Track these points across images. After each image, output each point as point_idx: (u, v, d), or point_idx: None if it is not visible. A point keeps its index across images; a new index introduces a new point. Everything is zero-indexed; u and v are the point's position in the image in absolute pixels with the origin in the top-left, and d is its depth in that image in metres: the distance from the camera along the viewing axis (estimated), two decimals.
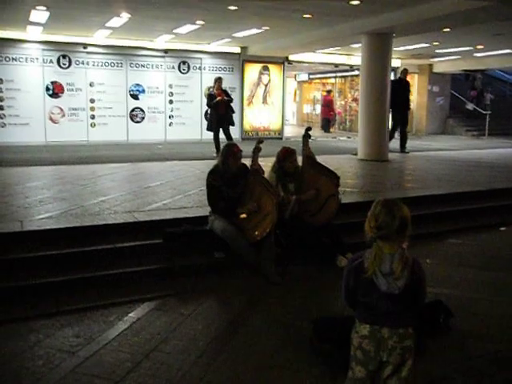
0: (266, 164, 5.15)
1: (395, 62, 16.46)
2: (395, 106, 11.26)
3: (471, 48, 14.08)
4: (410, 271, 2.12)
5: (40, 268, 4.11)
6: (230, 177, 4.67)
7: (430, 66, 18.90)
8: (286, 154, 5.00)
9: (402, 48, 13.96)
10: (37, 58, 13.05)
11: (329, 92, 21.19)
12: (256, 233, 4.46)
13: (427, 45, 13.48)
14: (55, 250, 4.31)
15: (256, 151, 4.77)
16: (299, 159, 5.14)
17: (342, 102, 21.63)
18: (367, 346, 2.15)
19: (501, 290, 4.39)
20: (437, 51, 15.01)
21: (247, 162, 4.82)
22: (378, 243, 2.13)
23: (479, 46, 13.87)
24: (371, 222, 2.13)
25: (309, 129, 5.37)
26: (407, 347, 2.14)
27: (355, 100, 19.69)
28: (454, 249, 5.52)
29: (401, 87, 11.61)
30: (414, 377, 2.24)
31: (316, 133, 19.83)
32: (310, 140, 5.21)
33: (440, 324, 3.55)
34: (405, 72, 12.11)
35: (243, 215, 4.53)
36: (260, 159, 4.82)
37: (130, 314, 3.70)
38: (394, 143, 11.86)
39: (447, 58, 16.43)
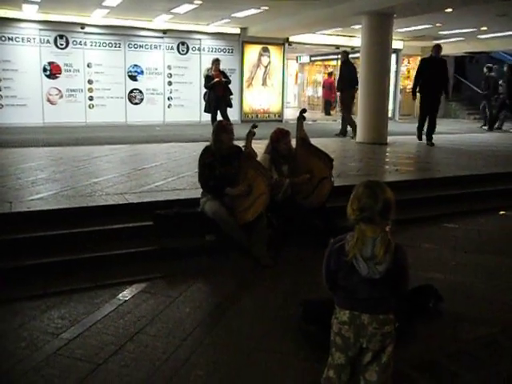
0: (262, 146, 5.07)
1: (397, 44, 16.25)
2: (423, 89, 9.85)
3: (475, 29, 13.84)
4: (392, 256, 2.05)
5: (28, 250, 4.07)
6: (222, 155, 4.60)
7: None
8: (279, 135, 4.92)
9: (404, 29, 13.74)
10: (34, 38, 12.88)
11: (330, 74, 20.96)
12: (249, 213, 4.41)
13: (430, 26, 13.26)
14: (44, 232, 4.26)
15: (250, 135, 4.69)
16: (293, 141, 5.06)
17: None
18: (347, 332, 2.10)
19: (496, 273, 4.33)
20: (440, 33, 14.77)
21: (241, 145, 4.74)
22: (361, 226, 2.06)
23: (483, 28, 13.64)
24: (353, 204, 2.07)
25: (303, 111, 5.29)
26: (387, 333, 2.09)
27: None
28: (450, 233, 5.46)
29: (431, 67, 9.79)
30: (395, 361, 2.19)
31: (317, 115, 19.70)
32: (308, 122, 5.12)
33: (430, 308, 3.50)
34: (437, 49, 9.96)
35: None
36: (257, 141, 4.75)
37: (117, 296, 3.66)
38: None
39: (450, 39, 16.17)
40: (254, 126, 4.70)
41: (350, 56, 12.00)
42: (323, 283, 2.28)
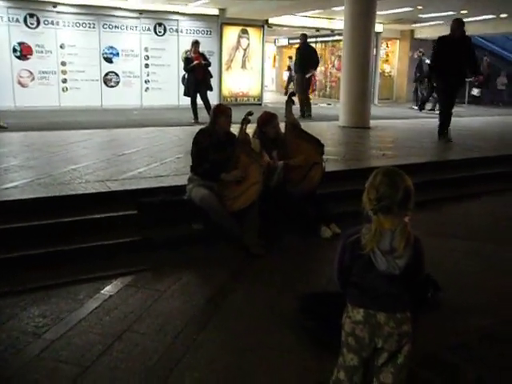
0: (249, 131, 4.87)
1: (377, 27, 16.09)
2: (443, 75, 8.06)
3: (455, 13, 13.78)
4: (411, 249, 1.91)
5: (3, 242, 3.80)
6: (217, 139, 4.42)
7: (412, 31, 18.59)
8: (266, 119, 4.74)
9: (385, 12, 13.60)
10: (1, 17, 12.27)
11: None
12: (240, 201, 4.24)
13: (411, 9, 13.16)
14: (20, 223, 3.99)
15: (244, 122, 4.49)
16: (282, 126, 4.89)
17: (323, 68, 21.22)
18: (361, 332, 1.95)
19: (487, 261, 4.26)
20: (420, 16, 14.72)
21: (235, 131, 4.54)
22: (379, 217, 1.90)
23: (463, 11, 13.59)
24: (371, 194, 1.90)
25: (292, 94, 5.12)
26: (405, 333, 1.95)
27: (336, 66, 19.37)
28: (440, 219, 5.38)
29: (450, 46, 7.87)
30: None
31: (296, 99, 19.49)
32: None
33: (429, 299, 3.40)
34: (457, 24, 7.90)
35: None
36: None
37: (101, 291, 3.45)
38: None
39: (429, 23, 16.13)
40: (250, 114, 4.51)
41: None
42: (334, 280, 2.12)
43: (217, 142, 4.39)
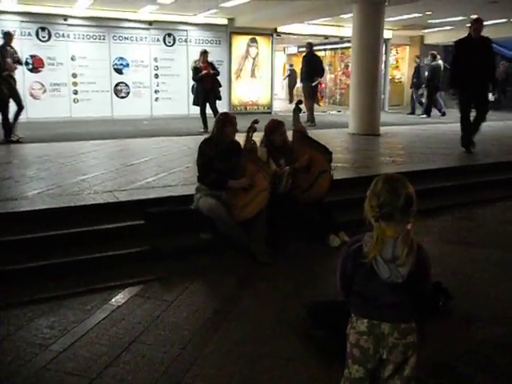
0: (257, 140, 4.86)
1: (386, 34, 16.07)
2: (463, 81, 7.42)
3: (465, 18, 13.70)
4: (414, 257, 1.87)
5: (12, 253, 3.83)
6: (223, 149, 4.41)
7: (422, 37, 18.51)
8: (273, 127, 4.72)
9: (394, 18, 13.56)
10: (14, 31, 12.41)
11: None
12: (248, 210, 4.23)
13: (420, 14, 13.11)
14: (29, 234, 4.01)
15: (251, 130, 4.48)
16: (290, 134, 4.87)
17: (332, 76, 21.22)
18: (365, 343, 1.91)
19: (501, 268, 4.18)
20: (429, 21, 14.65)
21: (241, 140, 4.54)
22: (381, 224, 1.87)
23: (473, 16, 13.50)
24: (372, 201, 1.87)
25: (299, 102, 5.10)
26: (410, 343, 1.90)
27: (345, 73, 19.34)
28: (449, 226, 5.31)
29: (472, 50, 7.34)
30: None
31: (303, 107, 19.47)
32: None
33: (440, 308, 3.34)
34: (477, 24, 7.36)
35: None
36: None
37: (109, 302, 3.44)
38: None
39: (439, 28, 16.05)
40: (256, 122, 4.50)
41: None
42: (338, 291, 2.08)
43: (222, 151, 4.38)
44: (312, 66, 11.91)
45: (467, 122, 7.77)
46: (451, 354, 2.89)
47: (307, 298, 3.43)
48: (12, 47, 8.85)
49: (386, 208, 1.83)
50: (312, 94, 12.19)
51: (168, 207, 4.49)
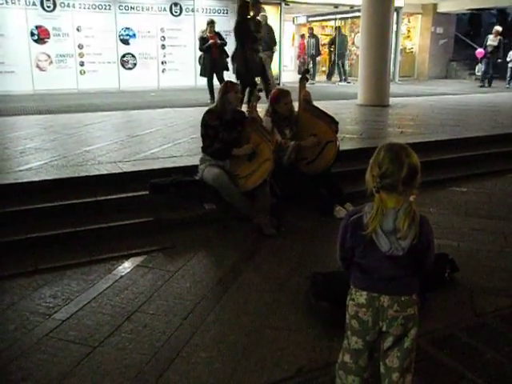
0: (261, 110, 4.78)
1: (398, 2, 15.63)
2: None
3: None
4: (416, 230, 1.80)
5: (17, 224, 3.83)
6: (227, 119, 4.35)
7: (435, 5, 17.98)
8: (278, 95, 4.63)
9: None
10: (18, 0, 12.28)
11: (302, 36, 20.38)
12: (252, 180, 4.18)
13: None
14: (33, 205, 4.01)
15: (254, 99, 4.41)
16: (295, 104, 4.77)
17: None
18: (364, 315, 1.87)
19: (510, 240, 4.12)
20: None
21: (245, 109, 4.47)
22: (382, 195, 1.80)
23: None
24: (373, 170, 1.79)
25: (306, 71, 4.98)
26: (410, 316, 1.86)
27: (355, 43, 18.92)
28: (459, 197, 5.23)
29: None
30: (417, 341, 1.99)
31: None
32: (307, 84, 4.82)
33: (445, 279, 3.30)
34: None
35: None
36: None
37: (112, 272, 3.45)
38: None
39: None
40: (259, 90, 4.42)
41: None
42: (337, 262, 2.04)
43: (226, 121, 4.31)
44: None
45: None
46: (455, 324, 2.86)
47: (311, 269, 3.40)
48: None
49: (387, 178, 1.76)
50: None
51: (172, 178, 4.45)
